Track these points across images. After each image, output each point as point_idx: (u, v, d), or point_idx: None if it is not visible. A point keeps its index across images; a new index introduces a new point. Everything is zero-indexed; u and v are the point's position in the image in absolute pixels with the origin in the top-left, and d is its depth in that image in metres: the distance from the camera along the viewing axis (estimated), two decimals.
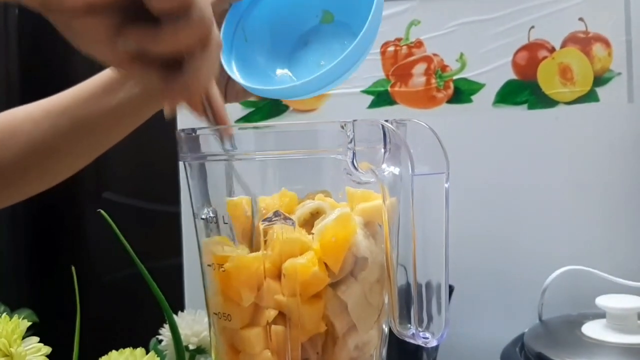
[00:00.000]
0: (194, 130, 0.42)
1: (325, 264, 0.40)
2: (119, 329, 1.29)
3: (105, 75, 0.54)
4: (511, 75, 0.82)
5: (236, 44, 0.52)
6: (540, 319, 0.73)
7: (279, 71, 0.53)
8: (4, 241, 1.35)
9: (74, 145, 0.54)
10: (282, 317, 0.40)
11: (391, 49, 0.84)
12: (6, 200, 0.54)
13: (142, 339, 0.65)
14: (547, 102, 0.81)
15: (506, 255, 0.81)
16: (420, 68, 0.84)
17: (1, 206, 0.54)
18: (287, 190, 0.42)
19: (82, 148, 0.55)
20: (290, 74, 0.53)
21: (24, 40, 1.20)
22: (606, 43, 0.80)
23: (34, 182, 0.54)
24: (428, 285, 0.38)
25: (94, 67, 0.45)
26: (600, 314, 0.66)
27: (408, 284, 0.38)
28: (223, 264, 0.41)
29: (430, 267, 0.38)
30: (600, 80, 0.80)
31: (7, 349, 0.48)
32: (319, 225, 0.40)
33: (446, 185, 0.37)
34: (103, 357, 0.54)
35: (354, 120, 0.38)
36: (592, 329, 0.65)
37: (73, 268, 0.55)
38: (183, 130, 0.43)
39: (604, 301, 0.65)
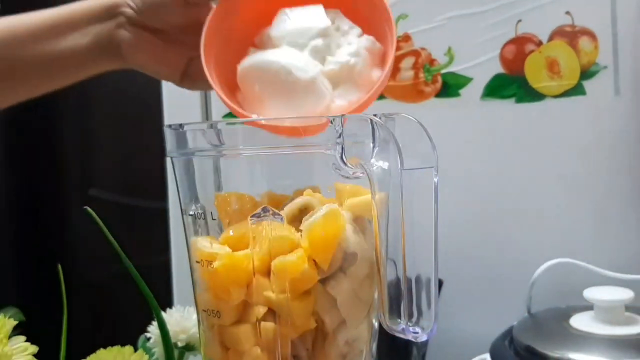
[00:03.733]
0: (181, 125, 0.42)
1: (314, 261, 0.39)
2: (106, 326, 1.29)
3: (50, 15, 0.43)
4: (499, 69, 0.82)
5: None
6: (529, 312, 0.73)
7: None
8: None
9: None
10: (271, 313, 0.40)
11: None
12: None
13: (130, 336, 0.65)
14: (534, 95, 0.81)
15: (495, 248, 0.82)
16: (408, 62, 0.83)
17: None
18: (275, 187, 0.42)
19: (3, 92, 0.45)
20: None
21: None
22: (593, 36, 0.80)
23: None
24: (418, 279, 0.38)
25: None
26: (588, 306, 0.67)
27: (398, 279, 0.37)
28: (212, 261, 0.40)
29: (420, 262, 0.38)
30: (587, 73, 0.80)
31: None
32: (307, 222, 0.40)
33: (435, 180, 0.37)
34: (91, 356, 0.54)
35: (342, 115, 0.38)
36: (580, 321, 0.65)
37: (59, 266, 0.55)
38: (170, 125, 0.43)
39: (592, 293, 0.65)
